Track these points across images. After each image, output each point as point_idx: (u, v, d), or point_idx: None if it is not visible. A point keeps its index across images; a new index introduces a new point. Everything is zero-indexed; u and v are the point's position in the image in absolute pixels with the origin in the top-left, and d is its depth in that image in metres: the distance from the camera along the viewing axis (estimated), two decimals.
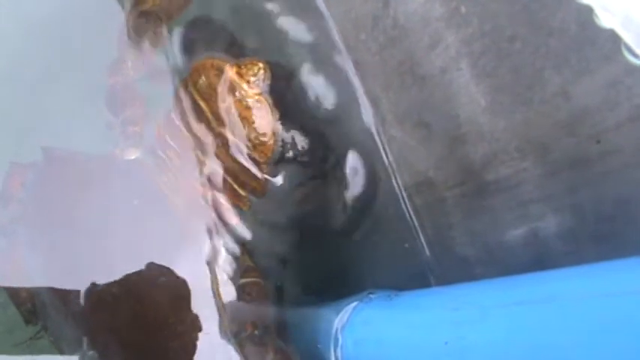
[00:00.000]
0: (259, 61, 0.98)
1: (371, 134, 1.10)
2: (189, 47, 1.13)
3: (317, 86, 1.13)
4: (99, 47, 1.11)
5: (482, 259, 0.98)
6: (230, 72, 0.98)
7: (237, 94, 0.98)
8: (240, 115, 0.98)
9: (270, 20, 1.20)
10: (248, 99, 0.98)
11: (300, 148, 1.04)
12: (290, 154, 1.03)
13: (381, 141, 1.09)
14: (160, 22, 1.07)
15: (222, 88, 0.99)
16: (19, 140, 1.16)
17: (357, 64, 1.08)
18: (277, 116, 0.99)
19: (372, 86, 1.07)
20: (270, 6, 1.23)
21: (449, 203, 1.00)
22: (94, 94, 1.10)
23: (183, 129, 1.03)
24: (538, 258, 0.87)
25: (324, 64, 1.13)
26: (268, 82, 0.99)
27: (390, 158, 1.09)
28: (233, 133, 1.00)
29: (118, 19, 1.07)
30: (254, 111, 0.98)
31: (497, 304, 0.73)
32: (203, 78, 1.00)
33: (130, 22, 1.06)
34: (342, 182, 1.16)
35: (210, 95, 0.99)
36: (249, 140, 0.99)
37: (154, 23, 1.07)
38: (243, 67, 0.98)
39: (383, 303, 1.00)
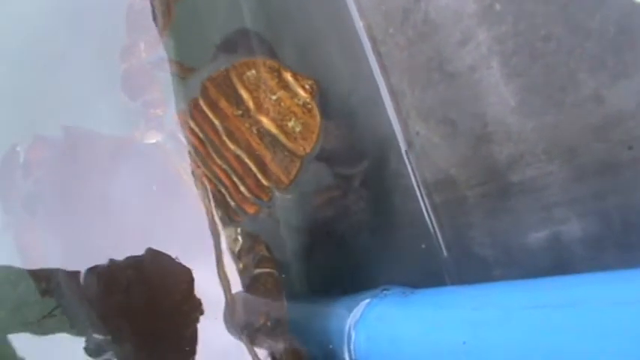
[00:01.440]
0: (313, 78, 1.03)
1: (393, 130, 1.09)
2: (231, 49, 1.14)
3: (345, 84, 1.14)
4: (118, 27, 1.10)
5: (501, 260, 0.97)
6: (285, 73, 1.02)
7: (290, 91, 1.02)
8: (289, 109, 1.01)
9: (303, 29, 1.21)
10: (301, 98, 1.01)
11: (338, 145, 1.09)
12: (328, 151, 1.06)
13: (404, 137, 1.08)
14: (169, 1, 1.07)
15: (273, 83, 1.02)
16: (39, 120, 1.16)
17: (384, 58, 1.07)
18: (323, 120, 1.03)
19: (398, 81, 1.06)
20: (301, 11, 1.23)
21: (470, 202, 0.99)
22: (114, 75, 1.09)
23: (211, 115, 1.03)
24: (559, 262, 0.87)
25: (351, 58, 1.12)
26: (318, 97, 1.02)
27: (411, 154, 1.08)
28: (275, 123, 1.02)
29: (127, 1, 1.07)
30: (304, 109, 1.01)
31: (519, 306, 0.72)
32: (253, 71, 1.03)
33: (138, 4, 1.06)
34: (366, 188, 1.16)
35: (257, 87, 1.02)
36: (293, 132, 1.02)
37: (162, 3, 1.07)
38: (298, 74, 1.02)
39: (397, 300, 0.99)
